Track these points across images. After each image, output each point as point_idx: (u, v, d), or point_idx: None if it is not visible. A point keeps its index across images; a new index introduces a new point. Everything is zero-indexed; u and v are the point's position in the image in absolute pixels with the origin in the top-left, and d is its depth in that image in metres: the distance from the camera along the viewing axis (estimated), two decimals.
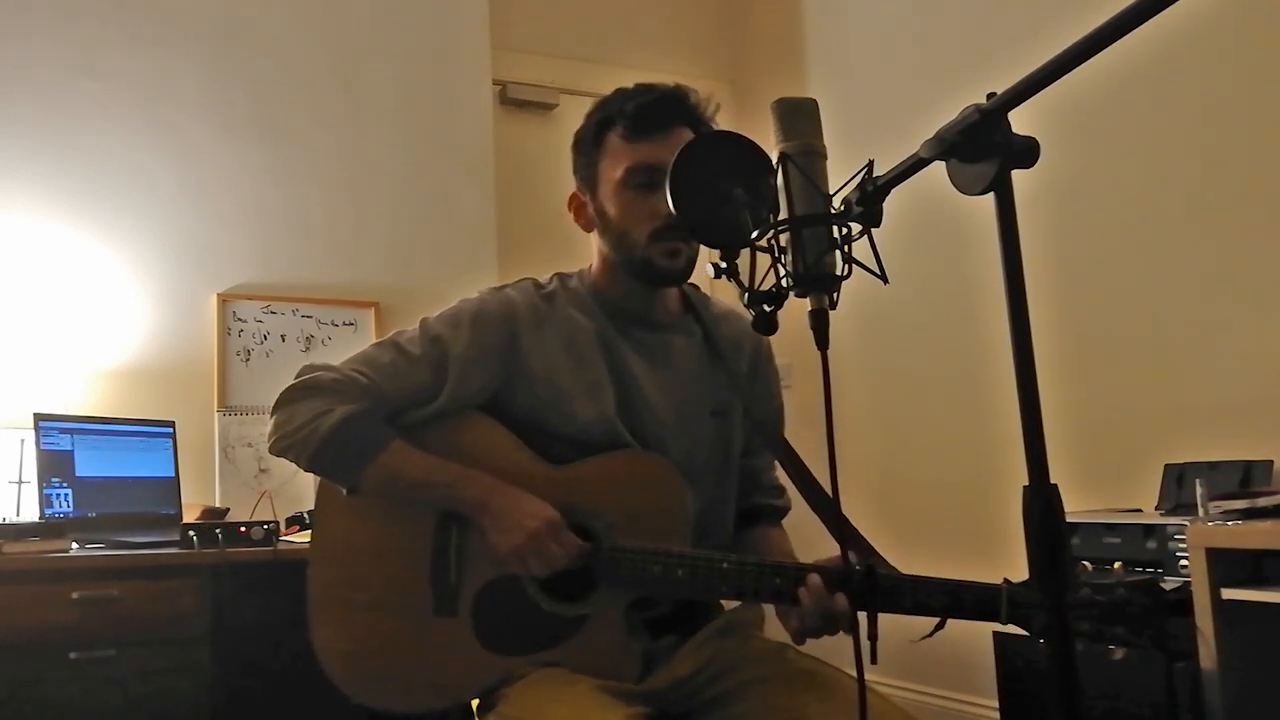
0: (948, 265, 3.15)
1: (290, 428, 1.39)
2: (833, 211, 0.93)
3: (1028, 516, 0.79)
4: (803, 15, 3.92)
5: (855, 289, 0.97)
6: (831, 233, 0.92)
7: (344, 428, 1.37)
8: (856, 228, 0.93)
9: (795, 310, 0.95)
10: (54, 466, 2.55)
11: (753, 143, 1.09)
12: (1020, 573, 0.96)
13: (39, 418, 2.57)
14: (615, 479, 1.39)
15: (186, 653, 2.29)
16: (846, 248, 0.92)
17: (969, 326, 3.07)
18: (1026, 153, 0.81)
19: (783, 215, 0.93)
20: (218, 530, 2.37)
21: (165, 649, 2.27)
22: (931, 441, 3.30)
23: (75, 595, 2.19)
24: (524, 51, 3.81)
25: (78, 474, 2.60)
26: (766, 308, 0.96)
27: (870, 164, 0.92)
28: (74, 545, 2.34)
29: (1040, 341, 0.80)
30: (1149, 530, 2.21)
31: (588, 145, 1.49)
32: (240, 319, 3.11)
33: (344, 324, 3.24)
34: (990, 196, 0.81)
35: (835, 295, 0.92)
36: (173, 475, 2.80)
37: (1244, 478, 2.27)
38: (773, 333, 0.99)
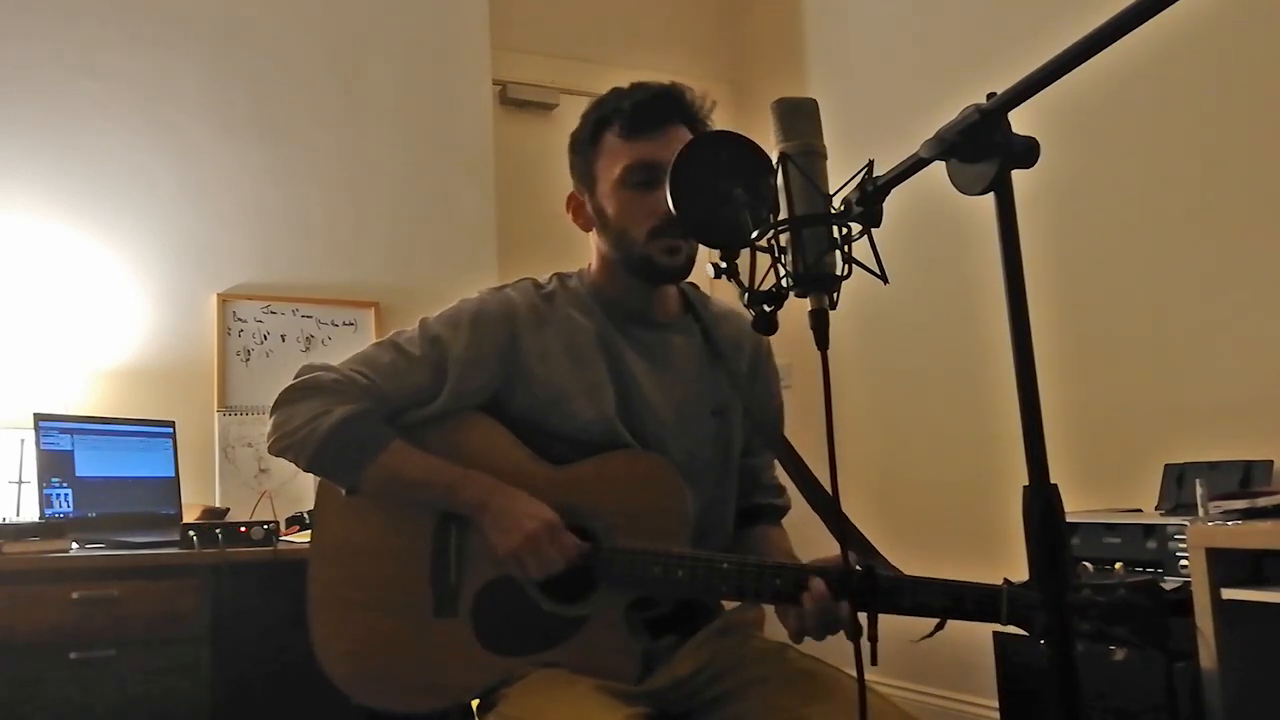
0: (948, 265, 3.15)
1: (289, 428, 1.39)
2: (833, 211, 0.93)
3: (1028, 516, 0.79)
4: (803, 15, 3.92)
5: (855, 289, 0.97)
6: (831, 233, 0.92)
7: (343, 428, 1.37)
8: (856, 228, 0.93)
9: (795, 310, 0.95)
10: (54, 466, 2.55)
11: (753, 143, 1.09)
12: (1020, 573, 0.96)
13: (39, 418, 2.57)
14: (615, 479, 1.39)
15: (186, 653, 2.29)
16: (846, 248, 0.92)
17: (969, 326, 3.07)
18: (1026, 153, 0.81)
19: (783, 215, 0.93)
20: (218, 530, 2.37)
21: (165, 649, 2.27)
22: (931, 441, 3.30)
23: (75, 595, 2.19)
24: (524, 51, 3.81)
25: (78, 474, 2.60)
26: (766, 308, 0.96)
27: (870, 164, 0.92)
28: (74, 545, 2.34)
29: (1040, 341, 0.80)
30: (1149, 530, 2.21)
31: (585, 145, 1.49)
32: (240, 319, 3.11)
33: (344, 324, 3.24)
34: (990, 196, 0.81)
35: (835, 295, 0.92)
36: (173, 475, 2.80)
37: (1244, 478, 2.27)
38: (773, 333, 0.99)
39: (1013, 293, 0.80)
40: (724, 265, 1.03)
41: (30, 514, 2.56)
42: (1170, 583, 2.06)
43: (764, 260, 0.96)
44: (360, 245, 3.30)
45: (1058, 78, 0.76)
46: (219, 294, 3.09)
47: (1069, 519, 1.76)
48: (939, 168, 0.85)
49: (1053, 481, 0.79)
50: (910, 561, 1.29)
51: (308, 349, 3.17)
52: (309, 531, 1.53)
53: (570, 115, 1.53)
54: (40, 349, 2.82)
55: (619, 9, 4.07)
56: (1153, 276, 2.64)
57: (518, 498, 1.36)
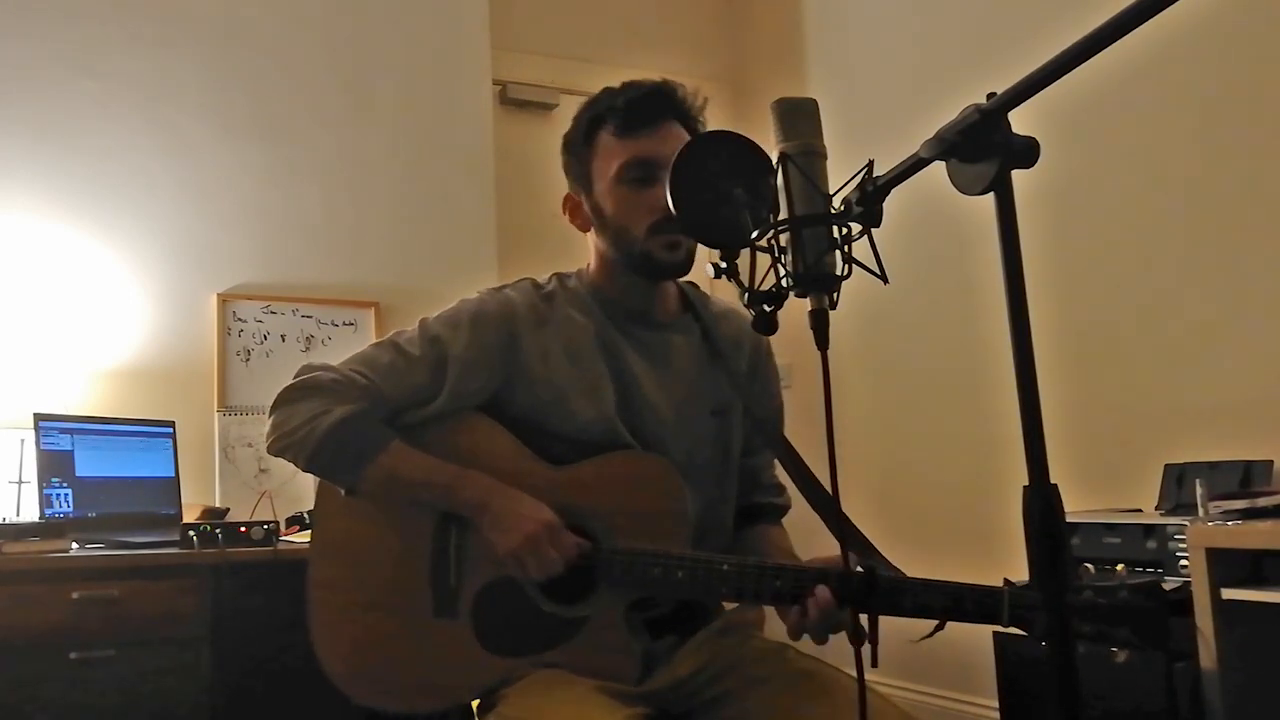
0: (948, 265, 3.15)
1: (288, 428, 1.39)
2: (833, 211, 0.93)
3: (1028, 516, 0.79)
4: (803, 15, 3.92)
5: (855, 289, 0.97)
6: (831, 233, 0.92)
7: (342, 428, 1.37)
8: (856, 228, 0.93)
9: (795, 310, 0.95)
10: (54, 466, 2.55)
11: (753, 143, 1.09)
12: (1020, 573, 0.96)
13: (39, 418, 2.57)
14: (615, 480, 1.39)
15: (186, 653, 2.29)
16: (846, 248, 0.92)
17: (969, 326, 3.07)
18: (1026, 153, 0.81)
19: (783, 215, 0.93)
20: (218, 530, 2.37)
21: (165, 649, 2.27)
22: (931, 441, 3.30)
23: (75, 595, 2.19)
24: (524, 51, 3.81)
25: (78, 474, 2.60)
26: (766, 308, 0.96)
27: (870, 164, 0.92)
28: (74, 545, 2.34)
29: (1040, 341, 0.80)
30: (1149, 530, 2.21)
31: (579, 145, 1.49)
32: (240, 319, 3.11)
33: (344, 324, 3.24)
34: (990, 196, 0.81)
35: (835, 295, 0.92)
36: (173, 475, 2.80)
37: (1244, 478, 2.27)
38: (773, 333, 0.99)
39: (1013, 293, 0.80)
40: (724, 265, 1.03)
41: (30, 514, 2.56)
42: (1170, 583, 2.06)
43: (764, 260, 0.96)
44: (360, 245, 3.30)
45: (1058, 78, 0.76)
46: (219, 294, 3.09)
47: (1069, 519, 1.76)
48: (939, 168, 0.85)
49: (1053, 481, 0.78)
50: (910, 561, 1.29)
51: (308, 349, 3.17)
52: (309, 531, 1.53)
53: (570, 115, 1.53)
54: (40, 349, 2.82)
55: (619, 9, 4.08)
56: (1152, 276, 2.64)
57: (517, 498, 1.36)
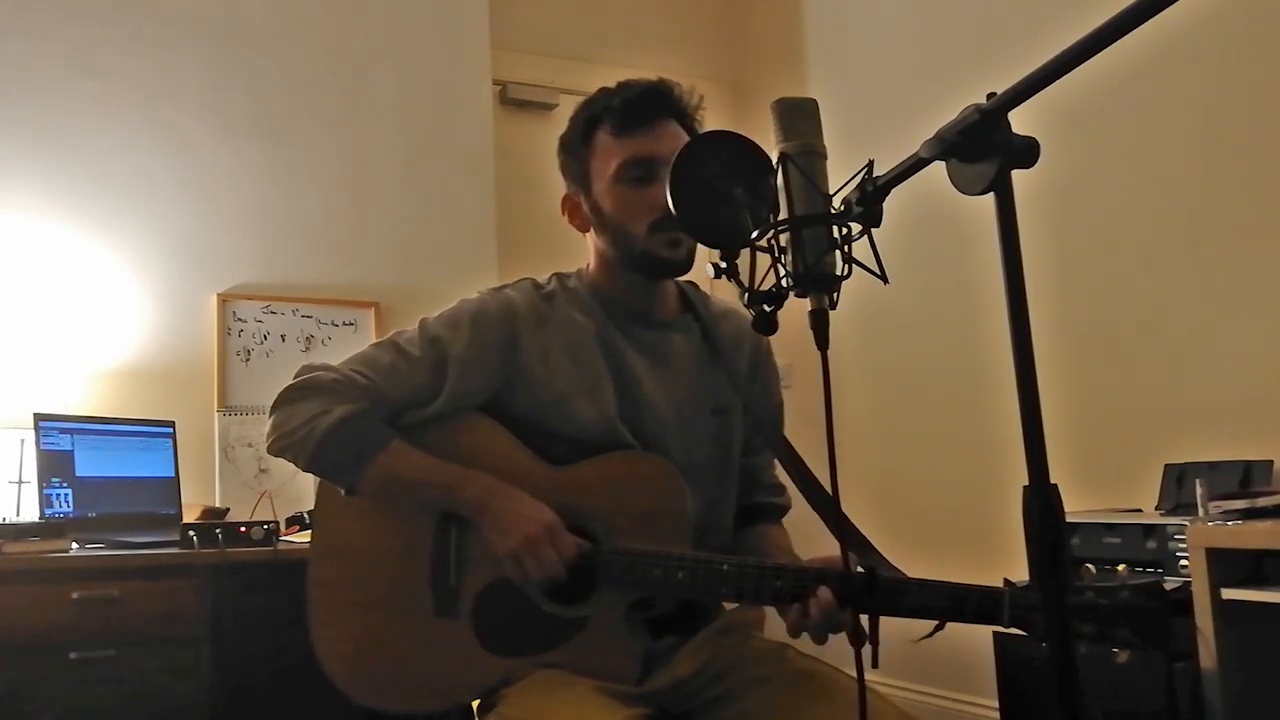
0: (948, 265, 3.15)
1: (288, 428, 1.39)
2: (833, 211, 0.93)
3: (1028, 516, 0.79)
4: (803, 15, 3.92)
5: (855, 289, 0.97)
6: (831, 233, 0.92)
7: (342, 428, 1.37)
8: (856, 228, 0.93)
9: (795, 310, 0.95)
10: (54, 466, 2.55)
11: (753, 143, 1.09)
12: (1020, 573, 0.96)
13: (39, 418, 2.57)
14: (615, 480, 1.39)
15: (186, 653, 2.29)
16: (846, 248, 0.92)
17: (969, 326, 3.07)
18: (1026, 153, 0.81)
19: (783, 215, 0.93)
20: (218, 530, 2.37)
21: (165, 649, 2.27)
22: (931, 441, 3.30)
23: (75, 595, 2.19)
24: (524, 51, 3.81)
25: (78, 474, 2.60)
26: (766, 308, 0.96)
27: (870, 164, 0.92)
28: (74, 545, 2.34)
29: (1040, 341, 0.80)
30: (1149, 530, 2.21)
31: (576, 145, 1.49)
32: (240, 319, 3.11)
33: (344, 324, 3.24)
34: (990, 196, 0.81)
35: (835, 295, 0.92)
36: (173, 475, 2.80)
37: (1244, 478, 2.27)
38: (773, 333, 0.99)
39: (1013, 293, 0.80)
40: (724, 265, 1.03)
41: (30, 514, 2.56)
42: (1170, 583, 2.06)
43: (764, 260, 0.96)
44: (360, 245, 3.30)
45: (1058, 78, 0.76)
46: (219, 294, 3.09)
47: (1069, 519, 1.76)
48: (939, 168, 0.85)
49: (1053, 481, 0.79)
50: (910, 561, 1.29)
51: (308, 349, 3.17)
52: (309, 531, 1.54)
53: (570, 115, 1.53)
54: (40, 349, 2.82)
55: (619, 9, 4.08)
56: (1152, 277, 2.64)
57: (518, 498, 1.36)
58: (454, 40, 3.52)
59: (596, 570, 1.35)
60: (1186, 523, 2.05)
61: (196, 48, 3.16)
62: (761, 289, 0.96)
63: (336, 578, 1.44)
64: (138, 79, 3.07)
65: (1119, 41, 0.71)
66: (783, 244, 0.93)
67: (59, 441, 2.59)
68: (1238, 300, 2.45)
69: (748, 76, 4.19)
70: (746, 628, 1.45)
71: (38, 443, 2.53)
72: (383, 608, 1.41)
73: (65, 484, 2.56)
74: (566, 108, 1.53)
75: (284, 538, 2.56)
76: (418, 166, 3.40)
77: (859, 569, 1.25)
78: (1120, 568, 2.15)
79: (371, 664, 1.40)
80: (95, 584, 2.22)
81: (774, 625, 1.38)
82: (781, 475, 1.55)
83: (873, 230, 0.92)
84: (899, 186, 0.90)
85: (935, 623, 1.23)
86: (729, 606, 1.48)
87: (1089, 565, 2.19)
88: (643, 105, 1.44)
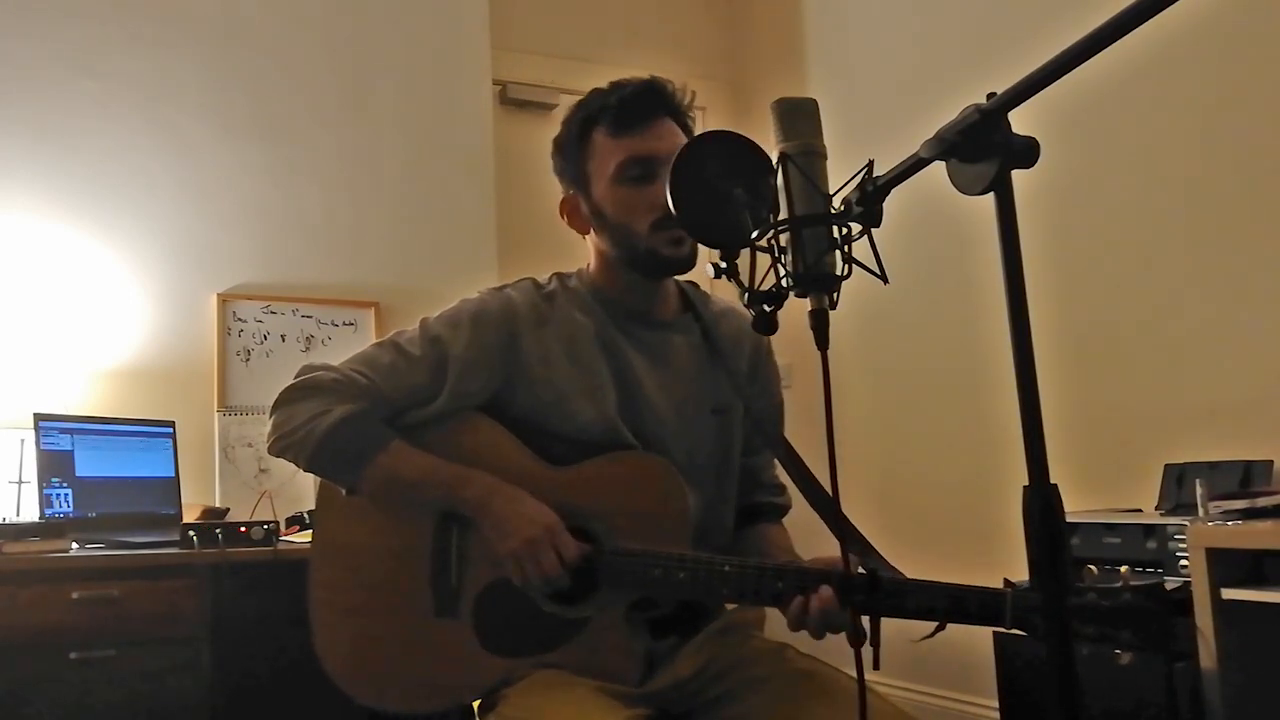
0: (948, 265, 3.15)
1: (289, 428, 1.39)
2: (833, 211, 0.93)
3: (1028, 516, 0.79)
4: (803, 15, 3.92)
5: (855, 289, 0.97)
6: (831, 233, 0.92)
7: (342, 428, 1.37)
8: (856, 228, 0.93)
9: (795, 310, 0.95)
10: (54, 466, 2.55)
11: (753, 143, 1.09)
12: (1020, 573, 0.96)
13: (39, 418, 2.57)
14: (616, 480, 1.39)
15: (186, 653, 2.29)
16: (846, 248, 0.92)
17: (969, 326, 3.07)
18: (1026, 153, 0.81)
19: (783, 215, 0.93)
20: (218, 530, 2.37)
21: (165, 649, 2.27)
22: (931, 441, 3.30)
23: (75, 595, 2.19)
24: (524, 51, 3.81)
25: (78, 474, 2.60)
26: (766, 308, 0.96)
27: (870, 164, 0.92)
28: (74, 545, 2.34)
29: (1040, 341, 0.80)
30: (1149, 530, 2.21)
31: (572, 147, 1.48)
32: (240, 319, 3.11)
33: (344, 324, 3.24)
34: (990, 196, 0.81)
35: (835, 295, 0.92)
36: (173, 475, 2.80)
37: (1244, 478, 2.27)
38: (773, 332, 0.99)
39: (1013, 293, 0.80)
40: (724, 265, 1.03)
41: (30, 514, 2.56)
42: (1170, 583, 2.06)
43: (764, 260, 0.96)
44: (360, 245, 3.30)
45: (1058, 78, 0.76)
46: (219, 294, 3.09)
47: (1069, 519, 1.76)
48: (939, 168, 0.85)
49: (1053, 481, 0.79)
50: (910, 561, 1.29)
51: (308, 349, 3.17)
52: (309, 531, 1.54)
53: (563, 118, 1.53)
54: (40, 349, 2.82)
55: (619, 9, 4.08)
56: (1153, 276, 2.64)
57: (519, 498, 1.35)
58: (454, 40, 3.52)
59: (597, 571, 1.35)
60: (1186, 523, 2.05)
61: (196, 48, 3.16)
62: (761, 289, 0.96)
63: (337, 578, 1.44)
64: (138, 79, 3.07)
65: (1119, 41, 0.71)
66: (783, 244, 0.93)
67: (59, 441, 2.59)
68: (1238, 300, 2.45)
69: (748, 76, 4.19)
70: (747, 628, 1.45)
71: (38, 443, 2.54)
72: (383, 608, 1.41)
73: (65, 484, 2.56)
74: (566, 108, 1.52)
75: (284, 538, 2.56)
76: (418, 166, 3.40)
77: (860, 570, 1.25)
78: (1123, 569, 2.15)
79: (372, 664, 1.40)
80: (95, 584, 2.22)
81: (774, 625, 1.38)
82: (781, 475, 1.55)
83: (873, 230, 0.92)
84: (899, 186, 0.90)
85: (936, 623, 1.22)
86: (729, 607, 1.48)
87: (1091, 566, 2.19)
88: (639, 104, 1.44)
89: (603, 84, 1.48)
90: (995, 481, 2.94)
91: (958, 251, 3.08)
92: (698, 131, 1.34)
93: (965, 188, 0.83)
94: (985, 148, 0.81)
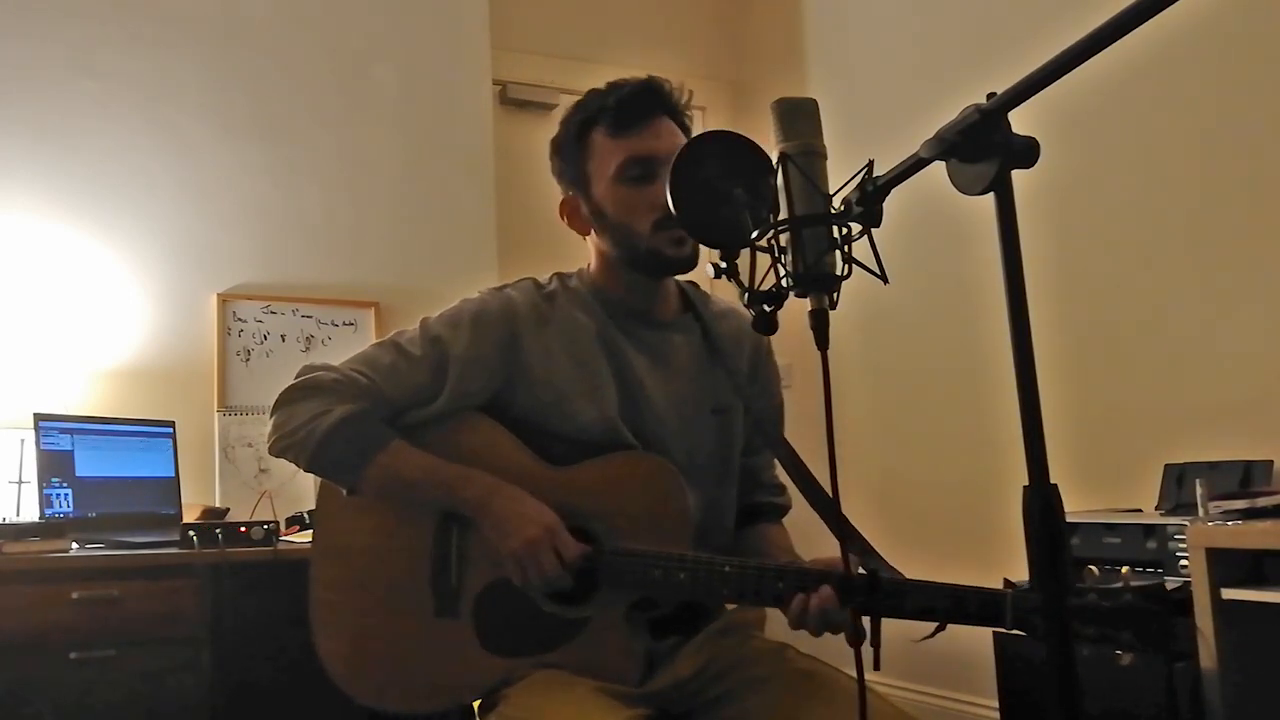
0: (948, 265, 3.15)
1: (289, 428, 1.39)
2: (833, 211, 0.93)
3: (1028, 516, 0.79)
4: (803, 15, 3.92)
5: (855, 289, 0.97)
6: (831, 233, 0.92)
7: (343, 428, 1.37)
8: (856, 228, 0.93)
9: (795, 310, 0.95)
10: (54, 466, 2.55)
11: (753, 143, 1.09)
12: (1021, 573, 0.96)
13: (39, 418, 2.57)
14: (616, 480, 1.39)
15: (186, 653, 2.29)
16: (846, 248, 0.92)
17: (969, 326, 3.07)
18: (1026, 153, 0.81)
19: (783, 215, 0.93)
20: (218, 530, 2.37)
21: (165, 649, 2.27)
22: (931, 441, 3.30)
23: (75, 595, 2.19)
24: (524, 51, 3.81)
25: (78, 474, 2.60)
26: (766, 308, 0.96)
27: (870, 164, 0.92)
28: (74, 545, 2.34)
29: (1040, 341, 0.80)
30: (1149, 530, 2.21)
31: (571, 148, 1.48)
32: (240, 319, 3.11)
33: (344, 324, 3.24)
34: (990, 196, 0.81)
35: (835, 295, 0.92)
36: (173, 475, 2.80)
37: (1244, 478, 2.27)
38: (773, 332, 0.99)
39: (1013, 293, 0.80)
40: (724, 265, 1.03)
41: (30, 514, 2.56)
42: (1170, 583, 2.06)
43: (764, 260, 0.96)
44: (360, 245, 3.30)
45: (1058, 78, 0.76)
46: (219, 294, 3.09)
47: (1069, 519, 1.76)
48: (939, 168, 0.85)
49: (1053, 481, 0.79)
50: (910, 561, 1.29)
51: (308, 349, 3.17)
52: (309, 531, 1.54)
53: (561, 119, 1.53)
54: (40, 349, 2.82)
55: (619, 9, 4.08)
56: (1152, 277, 2.64)
57: (520, 499, 1.35)
58: (454, 40, 3.52)
59: (598, 571, 1.35)
60: (1186, 523, 2.05)
61: (196, 48, 3.16)
62: (761, 289, 0.96)
63: (338, 578, 1.44)
64: (138, 79, 3.07)
65: (1119, 41, 0.71)
66: (783, 244, 0.93)
67: (59, 441, 2.59)
68: (1238, 300, 2.45)
69: (748, 76, 4.19)
70: (747, 628, 1.45)
71: (38, 443, 2.54)
72: (384, 608, 1.41)
73: (65, 484, 2.56)
74: (566, 108, 1.52)
75: (284, 538, 2.56)
76: (418, 166, 3.40)
77: (861, 571, 1.25)
78: (1124, 569, 2.15)
79: (372, 664, 1.40)
80: (95, 584, 2.22)
81: (774, 625, 1.38)
82: (781, 475, 1.55)
83: (873, 230, 0.92)
84: (899, 186, 0.90)
85: (936, 624, 1.22)
86: (730, 607, 1.48)
87: (1092, 567, 2.19)
88: (637, 104, 1.44)
89: (602, 84, 1.48)
90: (995, 481, 2.94)
91: (958, 251, 3.08)
92: (697, 131, 1.34)
93: (965, 188, 0.83)
94: (985, 148, 0.81)
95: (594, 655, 1.34)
